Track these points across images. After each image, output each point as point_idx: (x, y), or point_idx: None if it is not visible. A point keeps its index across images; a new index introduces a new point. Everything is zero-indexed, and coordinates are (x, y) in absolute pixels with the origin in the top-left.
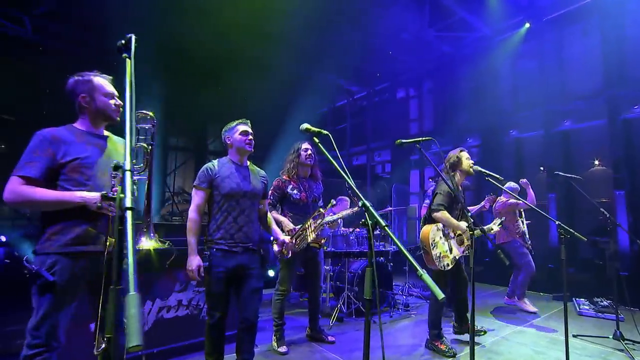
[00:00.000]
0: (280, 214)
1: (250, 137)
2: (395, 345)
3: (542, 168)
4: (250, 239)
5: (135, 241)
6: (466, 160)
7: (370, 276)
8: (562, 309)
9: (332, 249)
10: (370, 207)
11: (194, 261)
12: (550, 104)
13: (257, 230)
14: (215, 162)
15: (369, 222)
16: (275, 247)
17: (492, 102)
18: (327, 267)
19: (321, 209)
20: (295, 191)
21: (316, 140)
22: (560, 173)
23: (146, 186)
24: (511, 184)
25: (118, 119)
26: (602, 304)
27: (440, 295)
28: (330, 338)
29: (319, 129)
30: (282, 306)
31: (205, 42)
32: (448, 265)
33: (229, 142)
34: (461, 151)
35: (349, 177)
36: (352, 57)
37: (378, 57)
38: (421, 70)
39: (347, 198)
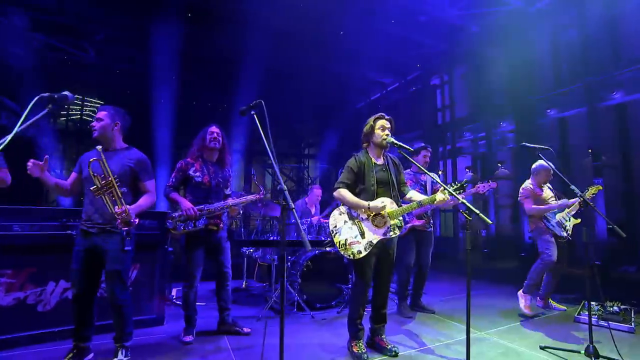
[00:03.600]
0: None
1: (94, 122)
2: (315, 344)
3: (590, 150)
4: (109, 221)
5: None
6: (379, 131)
7: None
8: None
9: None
10: None
11: None
12: (594, 74)
13: None
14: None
15: None
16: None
17: (528, 81)
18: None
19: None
20: (197, 174)
21: None
22: (527, 144)
23: None
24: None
25: None
26: (611, 309)
27: None
28: (245, 329)
29: None
30: (186, 297)
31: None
32: (360, 252)
33: None
34: (376, 119)
35: None
36: (378, 47)
37: (405, 45)
38: (452, 55)
39: (319, 186)
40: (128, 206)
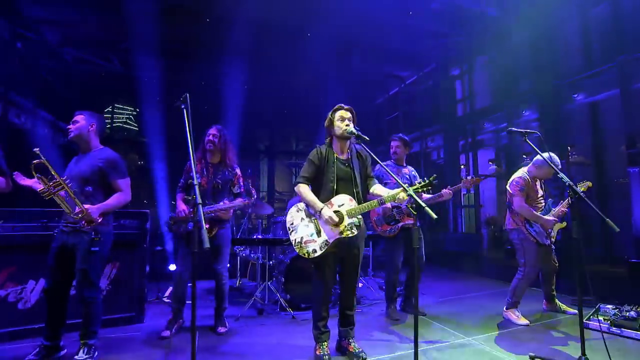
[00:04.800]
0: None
1: (70, 126)
2: (286, 345)
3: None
4: (78, 221)
5: None
6: (338, 122)
7: None
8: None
9: (271, 235)
10: None
11: None
12: (629, 52)
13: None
14: None
15: None
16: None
17: (552, 65)
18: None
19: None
20: (198, 177)
21: None
22: (513, 129)
23: None
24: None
25: None
26: (628, 314)
27: None
28: (220, 329)
29: None
30: (175, 291)
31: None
32: (315, 251)
33: None
34: (334, 110)
35: None
36: (394, 40)
37: (421, 37)
38: (471, 44)
39: None
40: (90, 206)
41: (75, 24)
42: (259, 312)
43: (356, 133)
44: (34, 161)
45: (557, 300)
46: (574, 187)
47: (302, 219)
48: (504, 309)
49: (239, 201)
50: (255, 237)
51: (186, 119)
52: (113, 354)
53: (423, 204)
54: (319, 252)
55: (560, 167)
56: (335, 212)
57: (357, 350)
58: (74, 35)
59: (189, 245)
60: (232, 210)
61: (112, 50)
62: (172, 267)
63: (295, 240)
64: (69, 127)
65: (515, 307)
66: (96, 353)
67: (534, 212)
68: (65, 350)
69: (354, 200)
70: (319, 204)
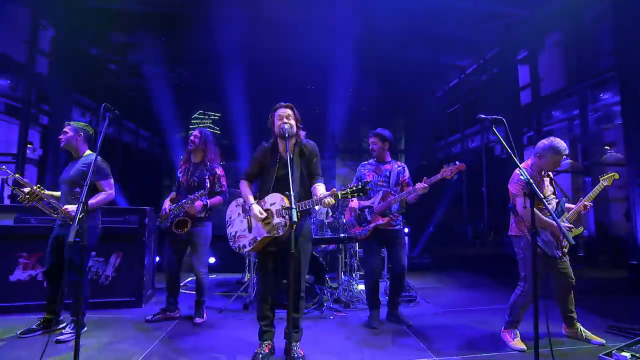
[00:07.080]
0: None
1: (60, 136)
2: (246, 340)
3: None
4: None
5: None
6: (276, 121)
7: None
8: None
9: None
10: None
11: None
12: None
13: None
14: None
15: None
16: None
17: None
18: None
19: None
20: (180, 175)
21: None
22: (482, 115)
23: None
24: None
25: None
26: None
27: None
28: (197, 320)
29: None
30: (166, 284)
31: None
32: (245, 247)
33: None
34: (274, 110)
35: None
36: (451, 27)
37: (479, 20)
38: (539, 20)
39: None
40: (70, 205)
41: (151, 45)
42: (245, 307)
43: (285, 135)
44: (8, 176)
45: (578, 325)
46: (530, 181)
47: (239, 214)
48: (502, 328)
49: (198, 194)
50: None
51: (104, 127)
52: (99, 331)
53: (294, 206)
54: (248, 248)
55: (567, 152)
56: (266, 210)
57: (296, 355)
58: (152, 55)
59: (170, 242)
60: (199, 207)
61: (183, 64)
62: (212, 259)
63: (230, 234)
64: (59, 137)
65: (515, 327)
66: (84, 329)
67: (542, 216)
68: (65, 324)
69: (285, 200)
70: (250, 200)
